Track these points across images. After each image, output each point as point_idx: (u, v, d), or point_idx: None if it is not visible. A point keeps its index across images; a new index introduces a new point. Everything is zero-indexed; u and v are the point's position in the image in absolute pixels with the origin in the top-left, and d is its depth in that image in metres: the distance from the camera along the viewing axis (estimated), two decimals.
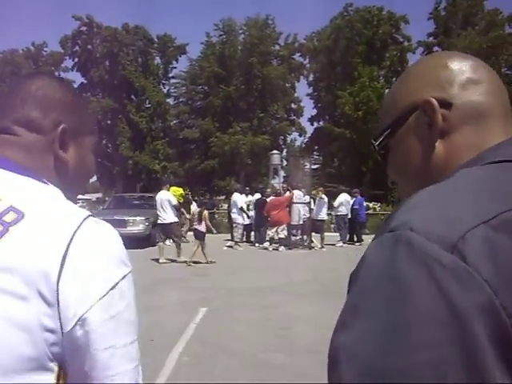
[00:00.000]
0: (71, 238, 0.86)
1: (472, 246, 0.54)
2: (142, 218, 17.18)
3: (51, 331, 0.81)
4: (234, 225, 17.55)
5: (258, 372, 5.06)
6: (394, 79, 46.49)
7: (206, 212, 13.82)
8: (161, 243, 14.28)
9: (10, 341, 0.79)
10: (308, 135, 50.20)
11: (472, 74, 0.82)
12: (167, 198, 13.99)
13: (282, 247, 16.32)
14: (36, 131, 1.02)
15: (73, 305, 0.83)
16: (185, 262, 13.34)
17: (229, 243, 17.34)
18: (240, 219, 17.36)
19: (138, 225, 17.01)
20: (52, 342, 0.82)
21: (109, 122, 44.51)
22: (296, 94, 49.79)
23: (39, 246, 0.84)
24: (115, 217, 17.18)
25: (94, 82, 45.36)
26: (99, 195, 49.49)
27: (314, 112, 49.42)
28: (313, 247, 17.14)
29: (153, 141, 44.56)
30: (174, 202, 14.07)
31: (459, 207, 0.60)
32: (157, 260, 14.07)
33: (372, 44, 45.03)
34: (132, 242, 16.42)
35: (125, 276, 0.92)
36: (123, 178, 44.23)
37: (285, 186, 19.07)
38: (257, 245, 17.49)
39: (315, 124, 49.31)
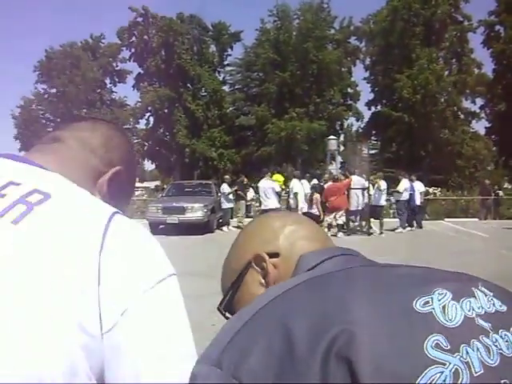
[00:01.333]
0: (108, 224, 0.79)
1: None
2: (201, 205, 17.36)
3: (88, 333, 0.71)
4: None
5: None
6: (454, 60, 45.45)
7: (317, 195, 14.07)
8: None
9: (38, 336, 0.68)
10: (365, 120, 49.52)
11: (293, 226, 0.94)
12: (270, 185, 15.01)
13: (341, 233, 16.13)
14: (90, 151, 1.01)
15: (116, 296, 0.74)
16: None
17: None
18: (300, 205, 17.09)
19: (196, 211, 17.19)
20: (89, 347, 0.71)
21: (166, 110, 45.06)
22: (352, 79, 49.13)
23: (69, 226, 0.77)
24: (174, 204, 17.49)
25: (150, 72, 45.97)
26: (157, 183, 50.32)
27: (371, 96, 48.63)
28: (371, 233, 16.94)
29: (209, 128, 44.87)
30: (278, 189, 15.17)
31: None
32: (215, 246, 14.15)
33: (430, 25, 43.80)
34: (191, 228, 16.75)
35: (171, 274, 0.83)
36: (181, 166, 44.77)
37: (342, 172, 18.90)
38: None
39: (372, 108, 48.52)
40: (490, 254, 12.66)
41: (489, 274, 8.20)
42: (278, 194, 15.18)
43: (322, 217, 15.50)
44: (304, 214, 14.43)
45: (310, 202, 14.36)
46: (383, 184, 17.33)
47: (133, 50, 47.23)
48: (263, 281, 0.89)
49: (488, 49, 44.11)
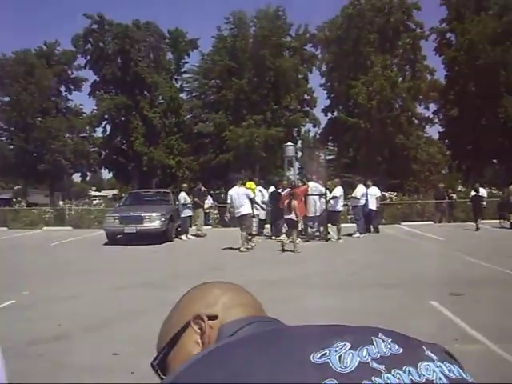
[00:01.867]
0: None
1: None
2: (159, 214, 17.30)
3: None
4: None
5: None
6: (408, 67, 46.30)
7: (295, 202, 14.81)
8: (243, 233, 15.15)
9: None
10: (322, 126, 50.01)
11: (232, 294, 1.02)
12: (245, 192, 15.29)
13: (299, 239, 16.25)
14: None
15: None
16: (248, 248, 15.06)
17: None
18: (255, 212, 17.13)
19: (154, 220, 17.11)
20: None
21: (122, 118, 44.74)
22: (309, 85, 49.38)
23: None
24: (131, 213, 17.39)
25: (106, 80, 45.57)
26: (116, 192, 49.82)
27: (328, 102, 49.17)
28: (329, 239, 17.10)
29: (167, 136, 44.71)
30: (252, 195, 15.52)
31: None
32: (172, 255, 14.21)
33: (384, 32, 44.61)
34: (149, 237, 16.66)
35: None
36: (139, 174, 44.46)
37: (300, 178, 19.09)
38: (273, 238, 17.48)
39: (329, 115, 49.02)
40: (446, 257, 12.96)
41: (444, 275, 8.36)
42: (252, 201, 15.43)
43: (300, 222, 15.88)
44: (287, 220, 15.01)
45: (289, 207, 14.67)
46: (338, 191, 17.50)
47: (88, 58, 46.74)
48: (199, 340, 0.93)
49: (440, 55, 45.22)
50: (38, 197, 45.62)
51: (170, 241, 17.66)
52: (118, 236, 17.46)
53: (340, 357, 0.70)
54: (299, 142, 49.31)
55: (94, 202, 39.61)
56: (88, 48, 46.54)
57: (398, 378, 0.68)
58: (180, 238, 18.49)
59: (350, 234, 18.03)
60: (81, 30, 46.19)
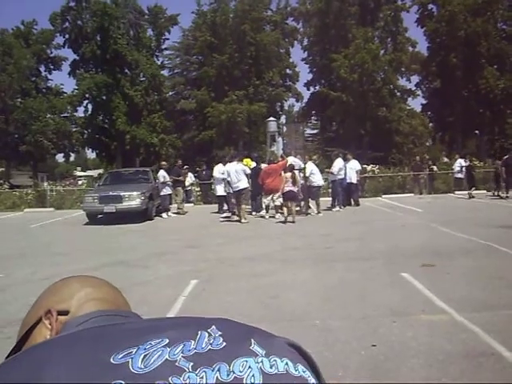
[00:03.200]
0: None
1: None
2: (138, 193, 17.25)
3: None
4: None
5: None
6: (389, 39, 46.16)
7: (297, 175, 16.13)
8: (243, 206, 16.35)
9: None
10: (305, 100, 49.92)
11: (90, 289, 1.00)
12: (242, 168, 16.33)
13: (279, 215, 16.35)
14: None
15: None
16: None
17: (225, 214, 17.36)
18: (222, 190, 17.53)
19: (133, 199, 17.08)
20: None
21: (104, 97, 44.17)
22: (291, 60, 49.37)
23: None
24: (111, 193, 17.34)
25: (86, 58, 44.93)
26: (101, 171, 49.59)
27: (310, 77, 49.09)
28: (309, 213, 17.17)
29: (149, 114, 44.30)
30: (248, 171, 16.51)
31: None
32: (150, 234, 14.28)
33: (365, 5, 44.45)
34: (129, 216, 16.65)
35: None
36: (122, 153, 44.18)
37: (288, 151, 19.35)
38: (253, 213, 17.55)
39: (311, 89, 48.96)
40: (421, 228, 13.09)
41: (418, 247, 8.49)
42: (248, 176, 16.36)
43: (301, 196, 16.86)
44: (287, 192, 15.41)
45: (294, 181, 15.42)
46: (310, 166, 17.38)
47: (67, 36, 46.02)
48: (49, 336, 0.91)
49: (422, 27, 45.04)
50: (22, 178, 45.23)
51: (151, 219, 17.65)
52: (99, 216, 17.42)
53: (145, 356, 0.68)
54: (283, 117, 49.25)
55: (80, 182, 39.45)
56: (66, 26, 45.75)
57: (202, 377, 0.65)
58: (161, 216, 18.48)
59: (330, 208, 18.13)
60: (58, 8, 45.48)
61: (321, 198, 17.74)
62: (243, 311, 6.23)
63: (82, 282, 1.03)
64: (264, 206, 17.43)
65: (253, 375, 0.66)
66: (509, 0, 42.05)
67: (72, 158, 63.58)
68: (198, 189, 24.12)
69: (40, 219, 18.86)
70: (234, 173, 16.04)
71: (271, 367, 0.69)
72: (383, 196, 23.31)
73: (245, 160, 17.65)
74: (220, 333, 0.73)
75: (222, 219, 16.79)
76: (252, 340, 0.73)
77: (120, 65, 44.65)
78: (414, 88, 47.59)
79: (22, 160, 45.89)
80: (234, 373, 0.67)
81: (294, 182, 15.40)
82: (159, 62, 48.95)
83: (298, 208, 17.07)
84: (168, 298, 6.93)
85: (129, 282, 7.48)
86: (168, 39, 49.59)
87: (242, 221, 15.86)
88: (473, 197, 20.80)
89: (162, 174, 18.82)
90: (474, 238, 10.67)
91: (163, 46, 49.60)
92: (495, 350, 4.61)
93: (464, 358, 4.49)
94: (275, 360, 0.70)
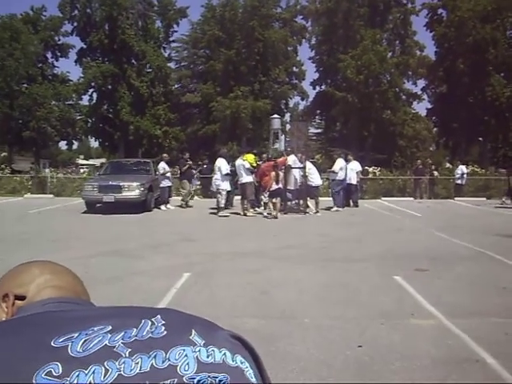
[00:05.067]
0: None
1: None
2: (138, 184, 17.25)
3: None
4: (218, 191, 17.05)
5: None
6: (397, 42, 46.08)
7: (279, 173, 16.57)
8: (244, 200, 16.94)
9: None
10: (310, 99, 49.87)
11: (49, 276, 1.02)
12: (242, 163, 16.79)
13: (267, 211, 16.54)
14: None
15: None
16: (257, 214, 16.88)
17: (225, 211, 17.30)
18: (224, 185, 16.95)
19: (133, 190, 17.09)
20: None
21: (109, 87, 44.19)
22: (298, 58, 49.21)
23: None
24: (110, 182, 17.35)
25: (93, 47, 44.89)
26: (103, 160, 49.61)
27: (316, 76, 48.98)
28: (307, 212, 17.19)
29: (154, 106, 44.25)
30: (247, 166, 16.82)
31: None
32: (148, 225, 14.30)
33: (375, 6, 44.31)
34: (128, 207, 16.66)
35: None
36: (125, 144, 44.18)
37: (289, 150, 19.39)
38: (251, 210, 17.57)
39: (317, 88, 48.86)
40: (418, 233, 13.10)
41: (413, 251, 8.52)
42: (250, 171, 16.82)
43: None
44: (273, 190, 15.99)
45: (277, 180, 16.05)
46: (307, 166, 17.34)
47: (75, 24, 45.96)
48: (4, 319, 0.93)
49: (430, 31, 44.91)
50: (23, 164, 45.23)
51: (149, 210, 17.66)
52: (98, 205, 17.45)
53: (85, 341, 0.71)
54: (287, 114, 49.19)
55: (82, 171, 39.43)
56: (75, 14, 45.62)
57: (137, 363, 0.68)
58: (159, 208, 18.50)
59: (329, 208, 18.14)
60: None
61: (321, 198, 17.76)
62: (233, 306, 6.25)
63: (43, 268, 1.05)
64: (262, 203, 17.49)
65: (187, 363, 0.69)
66: None
67: (75, 146, 63.67)
68: (199, 183, 24.09)
69: (39, 205, 18.88)
70: (239, 167, 16.76)
71: (208, 357, 0.71)
72: (383, 198, 23.32)
73: (246, 155, 17.62)
74: (163, 322, 0.76)
75: (221, 214, 16.69)
76: (193, 330, 0.75)
77: (127, 55, 44.66)
78: (419, 92, 47.52)
79: (24, 146, 45.91)
80: (169, 360, 0.69)
81: (278, 181, 15.96)
82: (166, 54, 48.85)
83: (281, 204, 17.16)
84: (160, 288, 6.95)
85: (123, 271, 7.52)
86: (176, 31, 49.51)
87: (248, 214, 16.61)
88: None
89: (162, 165, 18.82)
90: (469, 244, 10.68)
91: (171, 39, 49.48)
92: (480, 356, 4.62)
93: (448, 363, 4.50)
94: (213, 350, 0.72)
